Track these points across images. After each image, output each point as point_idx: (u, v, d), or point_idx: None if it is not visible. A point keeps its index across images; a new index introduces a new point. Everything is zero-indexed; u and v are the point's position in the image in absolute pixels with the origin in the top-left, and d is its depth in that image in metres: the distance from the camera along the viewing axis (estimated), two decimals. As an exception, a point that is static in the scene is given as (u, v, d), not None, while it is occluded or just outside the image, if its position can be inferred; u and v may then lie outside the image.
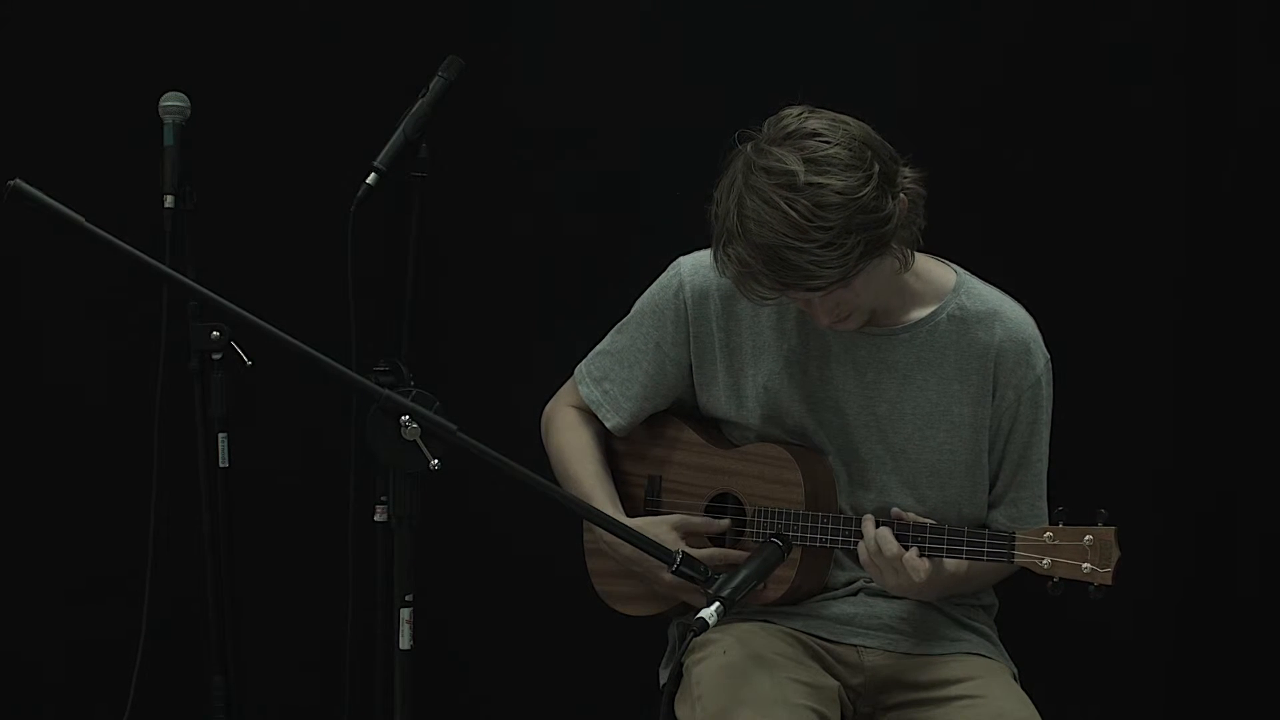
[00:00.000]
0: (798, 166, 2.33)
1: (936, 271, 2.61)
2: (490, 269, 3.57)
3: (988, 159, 3.48)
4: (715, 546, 2.61)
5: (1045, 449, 2.63)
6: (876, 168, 2.35)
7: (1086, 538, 2.34)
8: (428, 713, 2.34)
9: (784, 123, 2.39)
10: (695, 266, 2.63)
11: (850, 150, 2.35)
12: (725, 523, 2.63)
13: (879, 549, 2.44)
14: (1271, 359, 3.48)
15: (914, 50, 3.47)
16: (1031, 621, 2.78)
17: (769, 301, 2.48)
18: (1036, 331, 2.60)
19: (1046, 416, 2.62)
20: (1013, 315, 2.59)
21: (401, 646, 2.23)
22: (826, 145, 2.35)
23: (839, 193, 2.32)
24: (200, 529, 2.81)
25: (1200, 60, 3.46)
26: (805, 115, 2.40)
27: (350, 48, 3.48)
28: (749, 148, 2.40)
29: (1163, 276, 3.51)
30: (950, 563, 2.48)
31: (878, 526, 2.45)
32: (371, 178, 2.68)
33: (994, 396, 2.57)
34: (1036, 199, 3.49)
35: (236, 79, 3.42)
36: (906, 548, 2.43)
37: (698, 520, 2.63)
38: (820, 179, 2.32)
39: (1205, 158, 3.47)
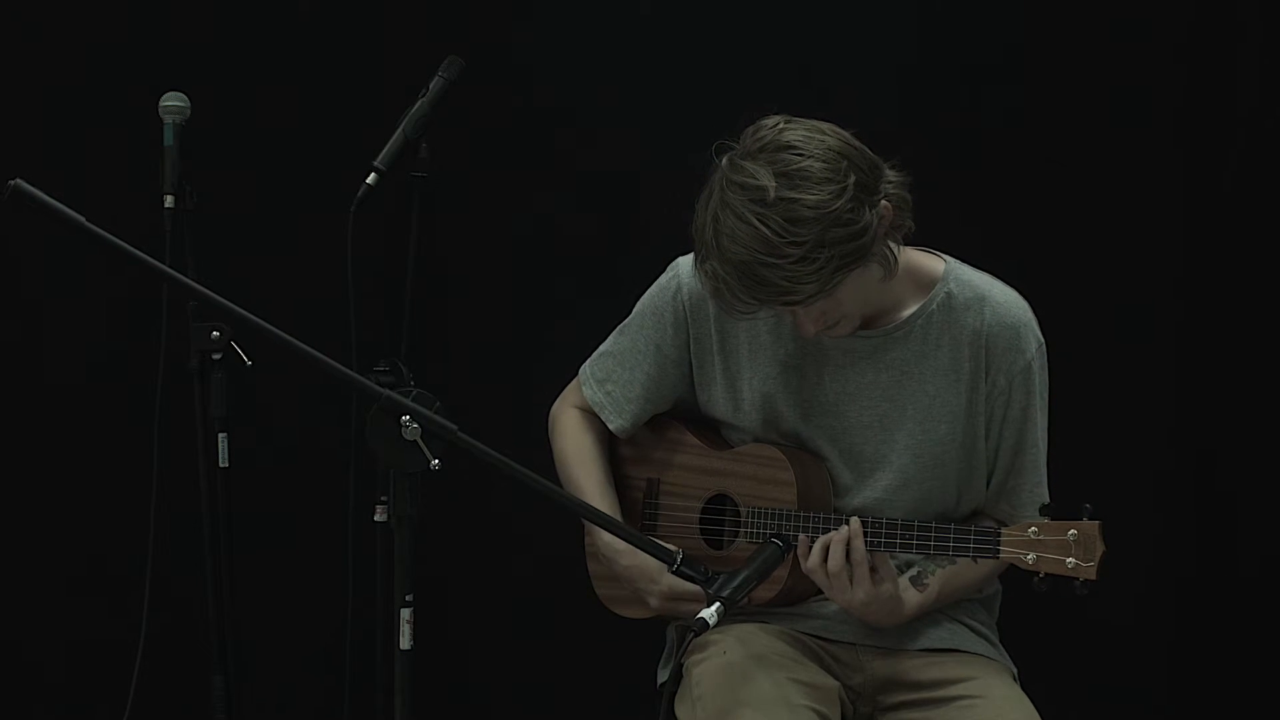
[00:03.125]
0: (769, 182, 2.30)
1: (924, 263, 2.58)
2: (491, 269, 3.57)
3: (987, 159, 3.48)
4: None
5: (1042, 435, 2.60)
6: (852, 178, 2.32)
7: (1070, 532, 2.33)
8: (428, 713, 2.34)
9: (759, 135, 2.37)
10: (693, 268, 2.62)
11: (825, 162, 2.32)
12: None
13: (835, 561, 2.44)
14: (1271, 358, 3.48)
15: (915, 50, 3.47)
16: (1031, 621, 2.77)
17: (747, 316, 2.47)
18: (1028, 315, 2.57)
19: (1041, 401, 2.59)
20: (1002, 299, 2.56)
21: (401, 646, 2.22)
22: (800, 158, 2.32)
23: (811, 207, 2.29)
24: (200, 529, 2.81)
25: (1200, 60, 3.46)
26: (781, 127, 2.37)
27: (350, 48, 3.48)
28: (725, 161, 2.38)
29: (1163, 276, 3.51)
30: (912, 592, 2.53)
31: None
32: (371, 178, 2.69)
33: (986, 381, 2.56)
34: (1036, 199, 3.49)
35: (236, 79, 3.42)
36: (895, 548, 2.43)
37: (685, 588, 2.55)
38: (792, 194, 2.30)
39: (1205, 158, 3.47)
